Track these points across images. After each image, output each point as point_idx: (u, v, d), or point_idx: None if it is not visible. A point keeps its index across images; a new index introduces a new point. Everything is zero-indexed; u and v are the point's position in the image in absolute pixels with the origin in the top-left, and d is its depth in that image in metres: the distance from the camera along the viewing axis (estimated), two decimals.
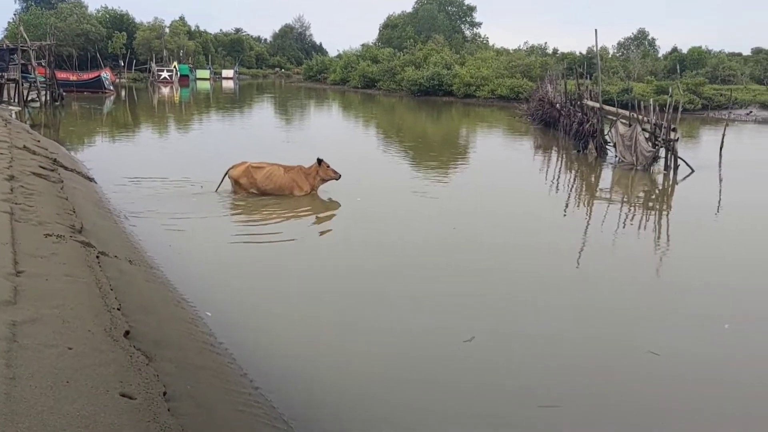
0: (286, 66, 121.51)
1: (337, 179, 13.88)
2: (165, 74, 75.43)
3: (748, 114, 38.72)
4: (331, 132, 31.27)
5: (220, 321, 6.98)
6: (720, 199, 15.53)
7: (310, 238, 11.28)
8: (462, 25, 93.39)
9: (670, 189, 16.98)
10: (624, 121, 19.92)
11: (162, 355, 5.07)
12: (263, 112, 43.85)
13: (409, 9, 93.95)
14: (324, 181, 13.98)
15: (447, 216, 12.93)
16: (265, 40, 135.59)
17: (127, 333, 5.22)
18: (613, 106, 21.58)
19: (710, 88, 44.24)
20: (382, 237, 11.20)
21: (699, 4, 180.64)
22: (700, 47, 66.53)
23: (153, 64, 77.63)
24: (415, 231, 11.62)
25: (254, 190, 13.54)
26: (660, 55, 77.18)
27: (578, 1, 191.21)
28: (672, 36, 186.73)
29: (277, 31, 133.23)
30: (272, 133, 29.59)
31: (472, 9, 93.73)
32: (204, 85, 77.57)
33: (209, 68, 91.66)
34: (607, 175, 18.74)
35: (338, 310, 7.79)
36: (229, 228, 11.59)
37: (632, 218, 13.45)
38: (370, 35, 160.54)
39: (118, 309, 5.65)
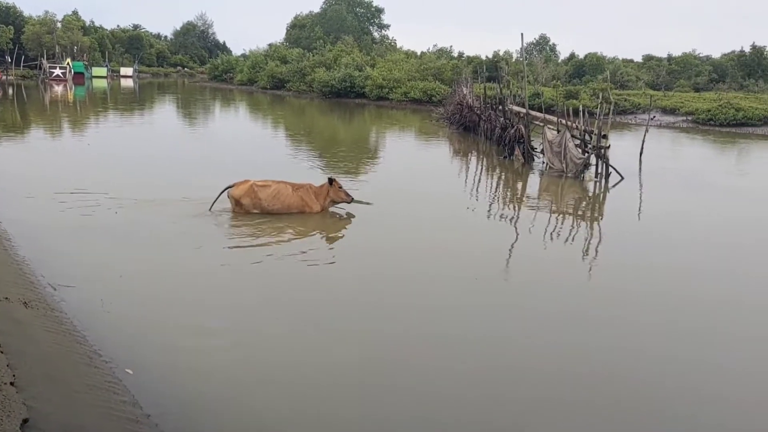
0: (189, 65, 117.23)
1: (348, 202, 12.88)
2: (58, 72, 70.71)
3: (652, 119, 40.06)
4: (236, 134, 29.63)
5: (144, 381, 5.68)
6: (640, 207, 15.37)
7: (232, 266, 9.95)
8: (371, 27, 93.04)
9: (602, 196, 16.74)
10: (552, 127, 19.63)
11: None
12: (166, 113, 41.26)
13: (316, 9, 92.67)
14: (334, 203, 12.95)
15: (365, 228, 12.01)
16: (166, 37, 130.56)
17: (25, 421, 3.91)
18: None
19: (614, 94, 45.63)
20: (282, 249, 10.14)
21: (594, 12, 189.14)
22: (597, 53, 68.93)
23: (44, 61, 72.53)
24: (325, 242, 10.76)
25: (257, 210, 12.32)
26: (560, 60, 79.65)
27: (480, 6, 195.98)
28: (570, 42, 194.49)
29: (178, 29, 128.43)
30: (176, 135, 27.63)
31: (380, 11, 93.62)
32: (101, 84, 73.01)
33: (106, 66, 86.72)
34: (535, 182, 18.31)
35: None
36: (133, 253, 10.09)
37: (562, 226, 12.91)
38: (277, 35, 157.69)
39: (12, 383, 4.30)
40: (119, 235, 10.51)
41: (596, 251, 11.41)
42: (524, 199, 16.06)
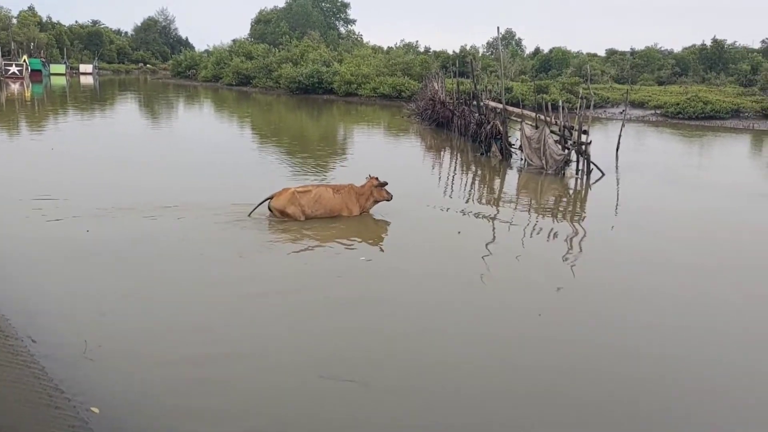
0: (151, 61, 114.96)
1: (389, 200, 12.49)
2: (13, 69, 68.39)
3: (621, 113, 40.20)
4: (202, 133, 28.73)
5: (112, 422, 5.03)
6: (621, 202, 15.14)
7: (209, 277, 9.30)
8: (337, 22, 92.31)
9: (584, 193, 16.41)
10: (530, 122, 19.25)
11: None
12: (128, 112, 39.92)
13: (281, 4, 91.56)
14: (377, 202, 12.53)
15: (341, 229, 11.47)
16: (126, 33, 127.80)
17: None
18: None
19: (583, 88, 45.71)
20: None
21: (556, 7, 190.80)
22: (561, 48, 69.20)
23: None
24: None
25: (302, 218, 11.81)
26: (526, 54, 79.94)
27: (445, 1, 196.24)
28: (535, 37, 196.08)
29: (139, 25, 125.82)
30: (140, 135, 26.63)
31: (346, 5, 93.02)
32: (59, 81, 70.84)
33: (65, 63, 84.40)
34: (513, 179, 17.92)
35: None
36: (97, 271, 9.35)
37: (545, 224, 12.52)
38: (241, 30, 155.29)
39: None
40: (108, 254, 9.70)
41: (580, 247, 11.09)
42: (503, 195, 15.68)
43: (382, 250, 10.60)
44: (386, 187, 12.41)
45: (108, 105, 43.86)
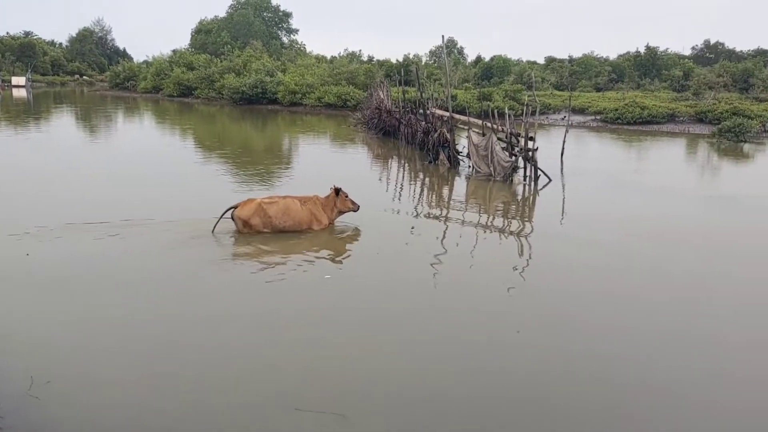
0: (88, 73, 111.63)
1: (355, 211, 12.21)
2: None
3: (562, 119, 41.09)
4: (143, 146, 27.92)
5: None
6: (566, 209, 15.32)
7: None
8: (279, 31, 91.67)
9: (531, 199, 16.58)
10: (477, 130, 19.39)
11: None
12: (65, 125, 38.50)
13: (222, 14, 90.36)
14: (341, 213, 12.24)
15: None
16: (61, 44, 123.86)
17: None
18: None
19: (525, 95, 46.56)
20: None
21: (495, 16, 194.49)
22: (502, 56, 70.44)
23: None
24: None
25: (267, 230, 11.42)
26: (468, 63, 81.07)
27: (387, 11, 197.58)
28: (476, 45, 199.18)
29: (74, 35, 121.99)
30: (78, 149, 25.69)
31: (288, 15, 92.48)
32: None
33: None
34: (462, 187, 17.97)
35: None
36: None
37: (495, 231, 12.59)
38: (182, 40, 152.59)
39: None
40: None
41: (529, 255, 11.10)
42: (452, 203, 15.69)
43: (340, 263, 10.41)
44: (351, 197, 12.26)
45: (44, 118, 42.26)
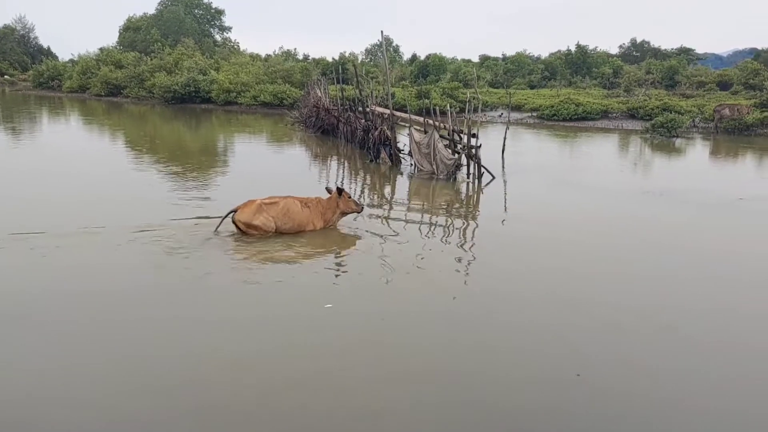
0: (9, 72, 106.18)
1: (359, 212, 11.93)
2: None
3: (500, 116, 41.47)
4: (69, 147, 26.53)
5: None
6: (508, 206, 15.27)
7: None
8: (211, 29, 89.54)
9: (475, 197, 16.37)
10: (418, 128, 19.10)
11: None
12: None
13: (151, 11, 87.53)
14: (344, 214, 11.85)
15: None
16: None
17: None
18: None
19: (461, 93, 46.77)
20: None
21: (430, 15, 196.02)
22: (437, 54, 70.72)
23: None
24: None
25: (269, 232, 11.06)
26: (404, 61, 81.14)
27: (321, 9, 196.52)
28: (411, 43, 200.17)
29: None
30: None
31: (220, 13, 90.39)
32: None
33: None
34: (404, 185, 17.63)
35: None
36: None
37: (438, 229, 12.30)
38: (109, 38, 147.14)
39: None
40: None
41: (473, 255, 10.81)
42: (394, 202, 15.32)
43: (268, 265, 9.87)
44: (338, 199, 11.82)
45: None
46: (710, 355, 7.11)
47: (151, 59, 61.15)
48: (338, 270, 9.69)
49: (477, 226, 13.14)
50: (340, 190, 11.74)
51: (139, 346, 6.91)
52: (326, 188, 12.18)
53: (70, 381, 6.16)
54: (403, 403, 5.91)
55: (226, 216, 11.05)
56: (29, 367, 6.41)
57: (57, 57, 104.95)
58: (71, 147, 26.75)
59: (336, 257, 10.38)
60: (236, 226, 11.01)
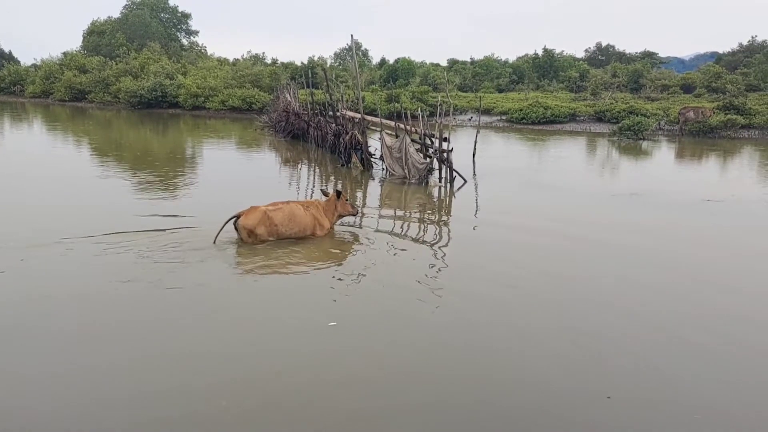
0: None
1: (354, 215, 11.92)
2: None
3: (469, 120, 41.67)
4: (31, 154, 25.90)
5: None
6: (477, 207, 15.29)
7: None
8: (178, 33, 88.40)
9: (448, 201, 16.33)
10: (390, 132, 19.04)
11: None
12: None
13: (116, 14, 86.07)
14: (341, 217, 11.75)
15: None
16: None
17: None
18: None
19: (430, 96, 46.94)
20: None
21: (397, 19, 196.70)
22: (406, 58, 70.84)
23: None
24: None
25: (272, 238, 10.79)
26: (373, 65, 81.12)
27: (289, 14, 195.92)
28: (379, 47, 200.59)
29: None
30: None
31: (187, 16, 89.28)
32: None
33: None
34: (376, 190, 17.50)
35: None
36: None
37: (410, 235, 12.24)
38: (73, 42, 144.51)
39: None
40: None
41: (444, 258, 10.74)
42: (370, 207, 15.20)
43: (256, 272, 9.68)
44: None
45: None
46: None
47: (117, 64, 60.25)
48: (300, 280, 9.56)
49: (450, 230, 13.10)
50: (338, 193, 11.68)
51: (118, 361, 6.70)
52: (321, 190, 12.11)
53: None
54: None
55: (226, 223, 10.75)
56: None
57: (19, 62, 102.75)
58: (34, 154, 26.09)
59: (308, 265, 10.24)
60: (238, 231, 10.81)
